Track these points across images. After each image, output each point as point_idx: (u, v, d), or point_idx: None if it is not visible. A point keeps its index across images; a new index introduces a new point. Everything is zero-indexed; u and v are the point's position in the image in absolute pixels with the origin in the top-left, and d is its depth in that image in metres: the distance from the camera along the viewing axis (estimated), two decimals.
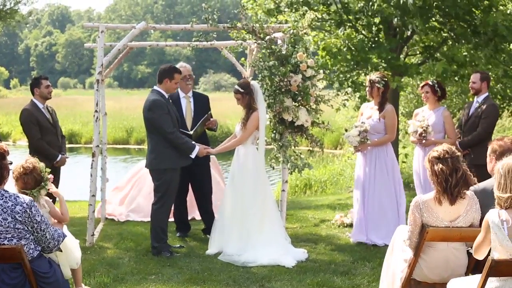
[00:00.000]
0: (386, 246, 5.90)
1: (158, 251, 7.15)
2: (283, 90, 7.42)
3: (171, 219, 7.90)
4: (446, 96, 8.59)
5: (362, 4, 10.45)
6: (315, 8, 10.68)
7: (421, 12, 10.06)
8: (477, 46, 10.45)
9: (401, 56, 11.36)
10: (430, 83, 8.10)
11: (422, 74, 11.07)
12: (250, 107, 7.36)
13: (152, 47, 10.89)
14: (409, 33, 10.88)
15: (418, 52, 12.13)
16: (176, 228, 8.25)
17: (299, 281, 6.24)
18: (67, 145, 9.13)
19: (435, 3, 10.17)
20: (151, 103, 7.09)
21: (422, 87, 8.17)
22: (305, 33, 7.71)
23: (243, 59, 9.35)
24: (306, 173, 13.81)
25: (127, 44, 8.29)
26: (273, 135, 7.66)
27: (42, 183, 4.97)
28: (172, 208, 7.72)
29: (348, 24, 10.91)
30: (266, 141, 7.61)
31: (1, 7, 22.20)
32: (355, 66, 10.94)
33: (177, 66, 7.66)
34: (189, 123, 7.95)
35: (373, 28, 11.00)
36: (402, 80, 11.28)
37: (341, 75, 11.13)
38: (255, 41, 7.84)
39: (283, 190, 8.04)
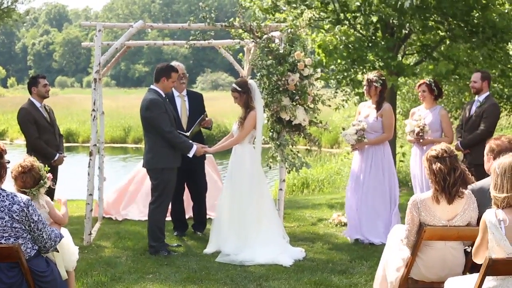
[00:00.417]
0: (383, 244, 5.90)
1: (155, 250, 7.15)
2: (280, 89, 7.41)
3: (169, 218, 7.90)
4: (443, 95, 8.59)
5: (359, 3, 10.45)
6: (313, 6, 10.68)
7: (418, 12, 10.06)
8: (474, 45, 10.45)
9: (399, 55, 11.36)
10: (427, 82, 8.10)
11: (418, 76, 11.05)
12: (247, 106, 7.35)
13: (150, 46, 10.94)
14: (406, 31, 10.89)
15: (415, 52, 12.14)
16: (174, 227, 8.25)
17: (297, 280, 6.24)
18: (65, 144, 9.09)
19: (432, 3, 10.16)
20: (149, 102, 7.08)
21: (419, 86, 8.17)
22: (303, 32, 7.71)
23: (241, 54, 9.35)
24: (303, 172, 13.81)
25: (124, 43, 8.28)
26: (270, 134, 7.65)
27: (41, 182, 4.96)
28: (170, 207, 7.73)
29: (345, 23, 10.91)
30: (264, 140, 7.60)
31: None
32: (351, 65, 10.94)
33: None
34: (184, 121, 7.95)
35: (371, 27, 11.00)
36: (399, 79, 11.28)
37: (339, 73, 11.12)
38: (252, 40, 7.83)
39: (281, 189, 8.05)
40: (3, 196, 4.41)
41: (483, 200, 4.77)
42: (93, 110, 7.77)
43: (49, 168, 5.12)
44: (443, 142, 6.18)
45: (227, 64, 30.81)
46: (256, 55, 7.87)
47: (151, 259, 6.96)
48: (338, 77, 11.06)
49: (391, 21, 10.61)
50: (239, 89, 7.35)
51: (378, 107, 7.88)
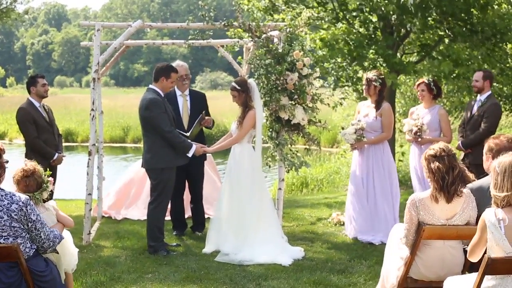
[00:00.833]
0: (383, 244, 5.90)
1: (154, 250, 7.14)
2: (279, 88, 7.42)
3: (168, 217, 7.90)
4: (442, 95, 8.58)
5: (359, 2, 10.44)
6: (311, 5, 10.68)
7: (420, 10, 10.06)
8: (473, 45, 10.45)
9: (398, 54, 11.36)
10: (426, 81, 8.10)
11: (419, 74, 11.05)
12: (246, 106, 7.34)
13: (149, 46, 10.96)
14: (406, 30, 10.89)
15: (414, 51, 12.13)
16: (173, 227, 8.25)
17: (296, 279, 6.24)
18: (64, 144, 9.09)
19: (433, 0, 10.17)
20: (148, 102, 7.07)
21: (418, 85, 8.17)
22: (302, 31, 7.71)
23: (240, 57, 9.35)
24: (302, 172, 13.79)
25: (123, 43, 8.27)
26: (269, 133, 7.65)
27: (44, 185, 4.96)
28: (169, 206, 7.72)
29: (344, 22, 10.91)
30: (263, 139, 7.60)
31: None
32: (351, 62, 10.94)
33: (174, 65, 7.61)
34: (185, 121, 7.94)
35: (370, 26, 11.00)
36: (398, 78, 11.28)
37: (339, 69, 11.10)
38: (251, 39, 7.83)
39: (280, 189, 8.05)
40: (2, 196, 4.41)
41: (482, 199, 4.77)
42: (92, 109, 7.76)
43: (50, 173, 5.12)
44: (441, 141, 6.18)
45: (226, 63, 30.78)
46: (254, 54, 7.87)
47: (150, 259, 6.95)
48: (337, 73, 11.04)
49: (391, 20, 10.60)
50: (238, 87, 7.34)
51: (378, 107, 7.88)
